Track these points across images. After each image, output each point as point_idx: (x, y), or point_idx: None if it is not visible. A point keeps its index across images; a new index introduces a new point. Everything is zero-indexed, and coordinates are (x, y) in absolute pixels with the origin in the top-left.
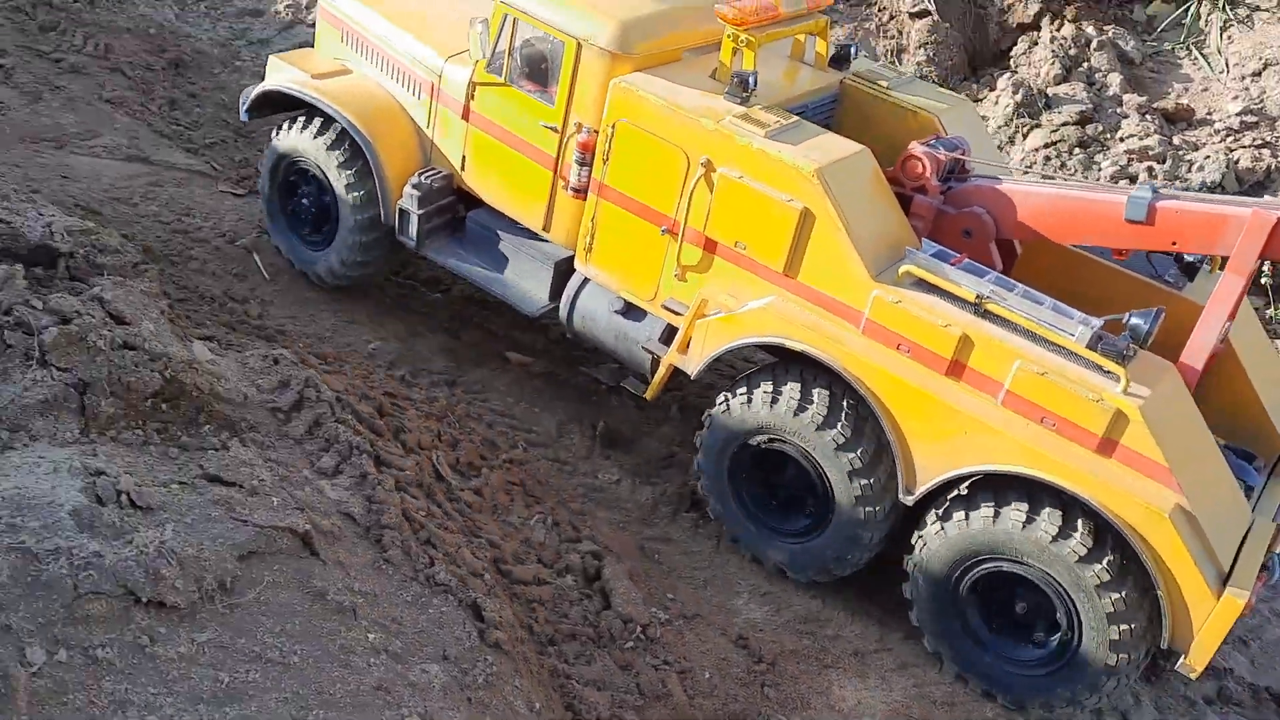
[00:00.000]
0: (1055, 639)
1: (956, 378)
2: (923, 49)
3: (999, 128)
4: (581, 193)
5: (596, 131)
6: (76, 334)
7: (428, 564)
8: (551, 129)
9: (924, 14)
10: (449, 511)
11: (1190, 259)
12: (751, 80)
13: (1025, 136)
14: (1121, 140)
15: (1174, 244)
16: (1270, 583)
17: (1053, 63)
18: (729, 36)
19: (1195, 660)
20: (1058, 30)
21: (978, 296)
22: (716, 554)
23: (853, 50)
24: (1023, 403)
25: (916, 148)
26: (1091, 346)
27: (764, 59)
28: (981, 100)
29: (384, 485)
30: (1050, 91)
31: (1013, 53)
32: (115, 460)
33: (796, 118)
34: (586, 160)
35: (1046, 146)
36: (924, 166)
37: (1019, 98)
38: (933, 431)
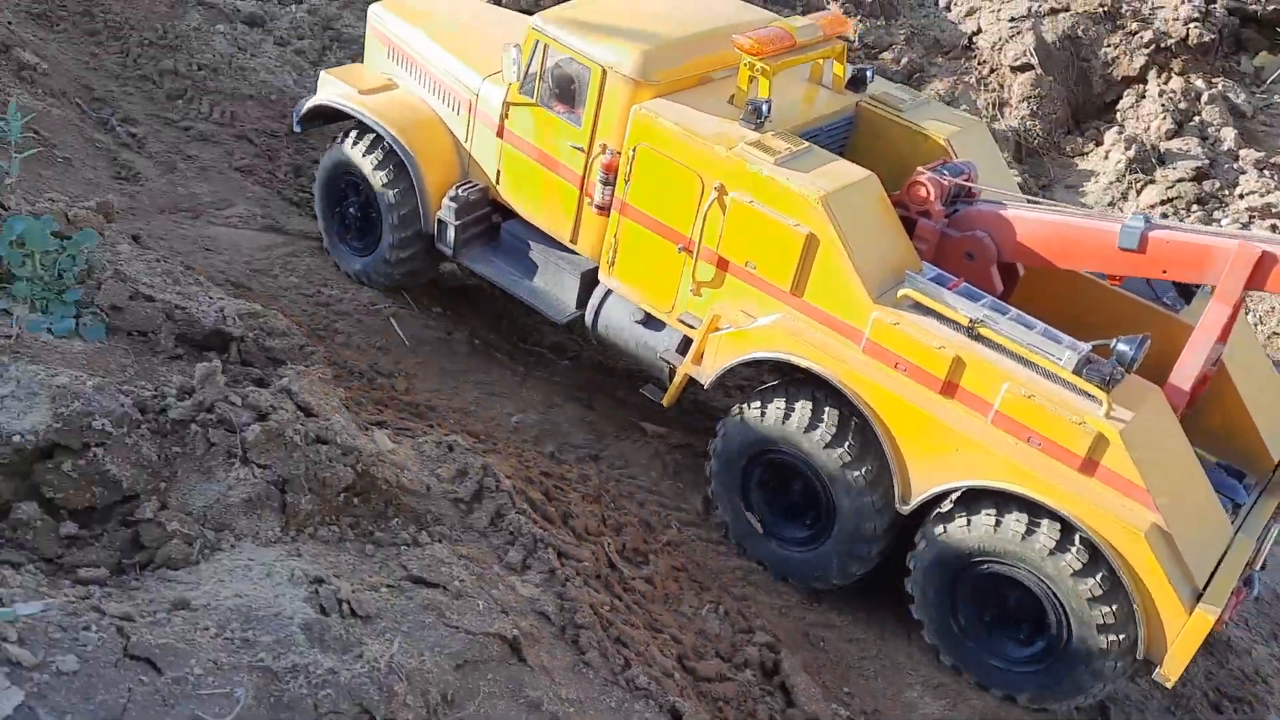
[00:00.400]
0: (1043, 640)
1: (950, 396)
2: (1025, 103)
3: (1110, 184)
4: (605, 210)
5: (619, 153)
6: (275, 430)
7: (624, 665)
8: (578, 149)
9: (1026, 67)
10: (629, 604)
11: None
12: (765, 108)
13: (1139, 193)
14: (1241, 197)
15: (1164, 272)
16: (1250, 598)
17: (1163, 117)
18: (745, 65)
19: (1169, 670)
20: (1165, 83)
21: (971, 320)
22: (881, 641)
23: (869, 74)
24: (1011, 422)
25: (922, 174)
26: (1078, 371)
27: (784, 82)
28: (1087, 154)
29: (573, 581)
30: (1163, 147)
31: (1119, 106)
32: (320, 561)
33: (808, 144)
34: (610, 180)
35: (1163, 203)
36: (928, 192)
37: (1131, 153)
38: (926, 446)
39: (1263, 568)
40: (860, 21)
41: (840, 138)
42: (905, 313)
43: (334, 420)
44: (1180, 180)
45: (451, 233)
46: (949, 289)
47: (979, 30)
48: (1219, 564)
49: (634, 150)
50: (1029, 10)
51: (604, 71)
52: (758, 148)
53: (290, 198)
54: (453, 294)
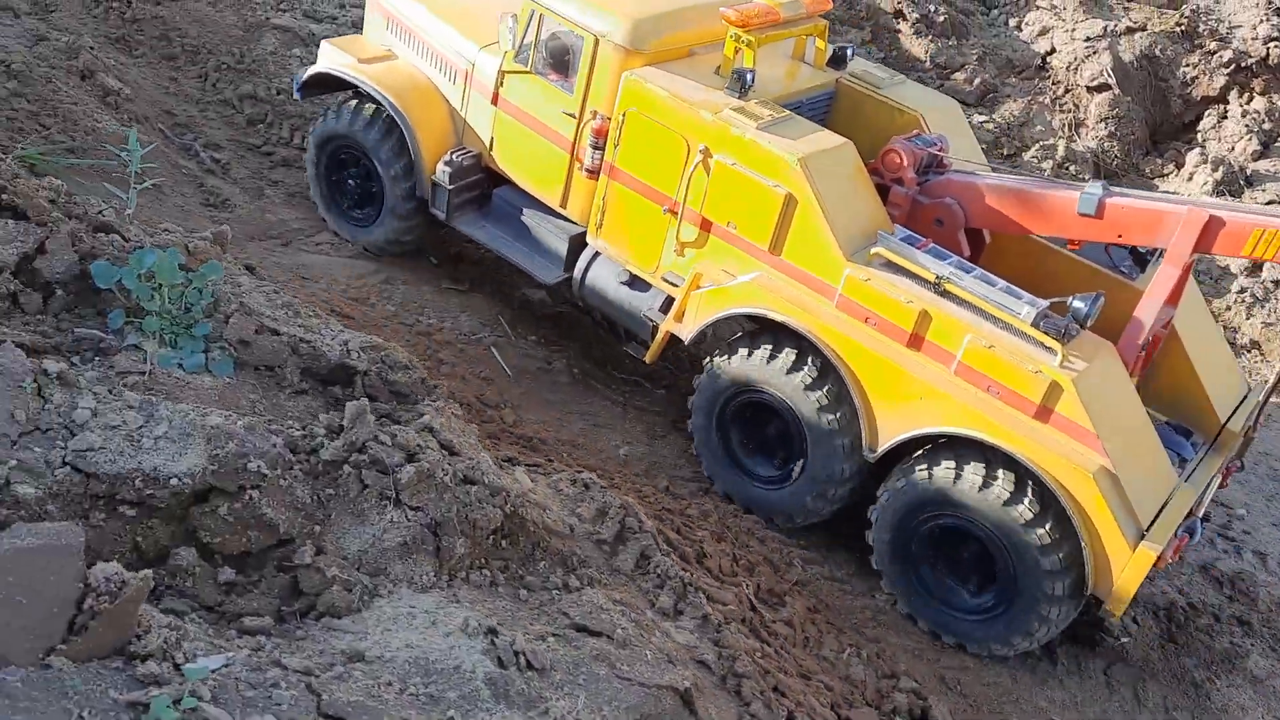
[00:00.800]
0: (995, 590)
1: (916, 349)
2: (1103, 123)
3: None
4: (594, 173)
5: (609, 119)
6: (426, 471)
7: (787, 716)
8: (570, 115)
9: (1103, 87)
10: (776, 650)
11: (1142, 251)
12: (749, 77)
13: None
14: None
15: (1119, 236)
16: (1192, 544)
17: (1248, 138)
18: (731, 37)
19: (1114, 605)
20: (1247, 103)
21: (937, 277)
22: (1014, 684)
23: (849, 52)
24: (972, 372)
25: (896, 142)
26: (1035, 324)
27: (767, 57)
28: (1167, 176)
29: (729, 627)
30: (1249, 168)
31: (1199, 127)
32: (479, 607)
33: (789, 112)
34: (600, 144)
35: None
36: (901, 159)
37: (1219, 175)
38: (893, 395)
39: (1205, 519)
40: (931, 41)
41: (821, 111)
42: (876, 270)
43: (480, 459)
44: (1271, 202)
45: (445, 197)
46: (918, 249)
47: (1053, 50)
48: (1162, 509)
49: (623, 115)
50: (1104, 30)
51: (597, 40)
52: (742, 113)
53: None
54: (548, 321)
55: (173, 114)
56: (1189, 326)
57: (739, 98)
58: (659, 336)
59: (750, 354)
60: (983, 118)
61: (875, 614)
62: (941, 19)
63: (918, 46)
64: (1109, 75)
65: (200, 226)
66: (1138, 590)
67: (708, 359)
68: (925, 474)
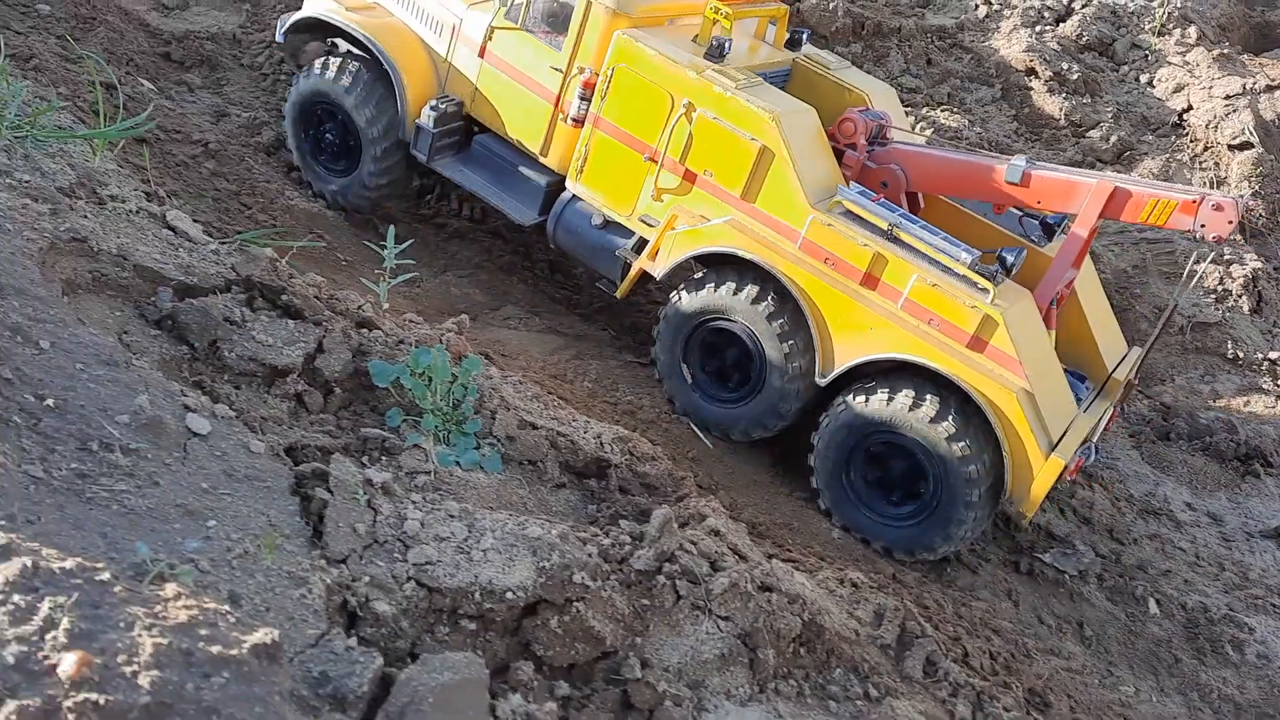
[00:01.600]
0: (921, 499)
1: (870, 286)
2: (1246, 182)
3: None
4: (579, 123)
5: (597, 73)
6: (734, 580)
7: None
8: (557, 70)
9: (1245, 145)
10: None
11: (1051, 221)
12: (727, 45)
13: None
14: None
15: (1039, 203)
16: (1088, 464)
17: None
18: (710, 9)
19: (1026, 508)
20: None
21: (889, 225)
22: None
23: (804, 36)
24: (917, 307)
25: (851, 113)
26: (972, 267)
27: (736, 33)
28: None
29: None
30: None
31: None
32: None
33: (760, 78)
34: (586, 96)
35: None
36: (856, 127)
37: None
38: (847, 326)
39: (1097, 448)
40: (1065, 99)
41: (778, 86)
42: (836, 217)
43: (772, 565)
44: None
45: (429, 139)
46: (874, 201)
47: (1189, 107)
48: (1066, 431)
49: (612, 70)
50: (1244, 88)
51: (589, 3)
52: (722, 74)
53: (553, 295)
54: None
55: None
56: (1086, 289)
57: (716, 62)
58: (632, 273)
59: (717, 287)
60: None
61: (1122, 707)
62: (1075, 76)
63: (1051, 104)
64: (1251, 134)
65: (403, 307)
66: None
67: (674, 292)
68: (863, 399)
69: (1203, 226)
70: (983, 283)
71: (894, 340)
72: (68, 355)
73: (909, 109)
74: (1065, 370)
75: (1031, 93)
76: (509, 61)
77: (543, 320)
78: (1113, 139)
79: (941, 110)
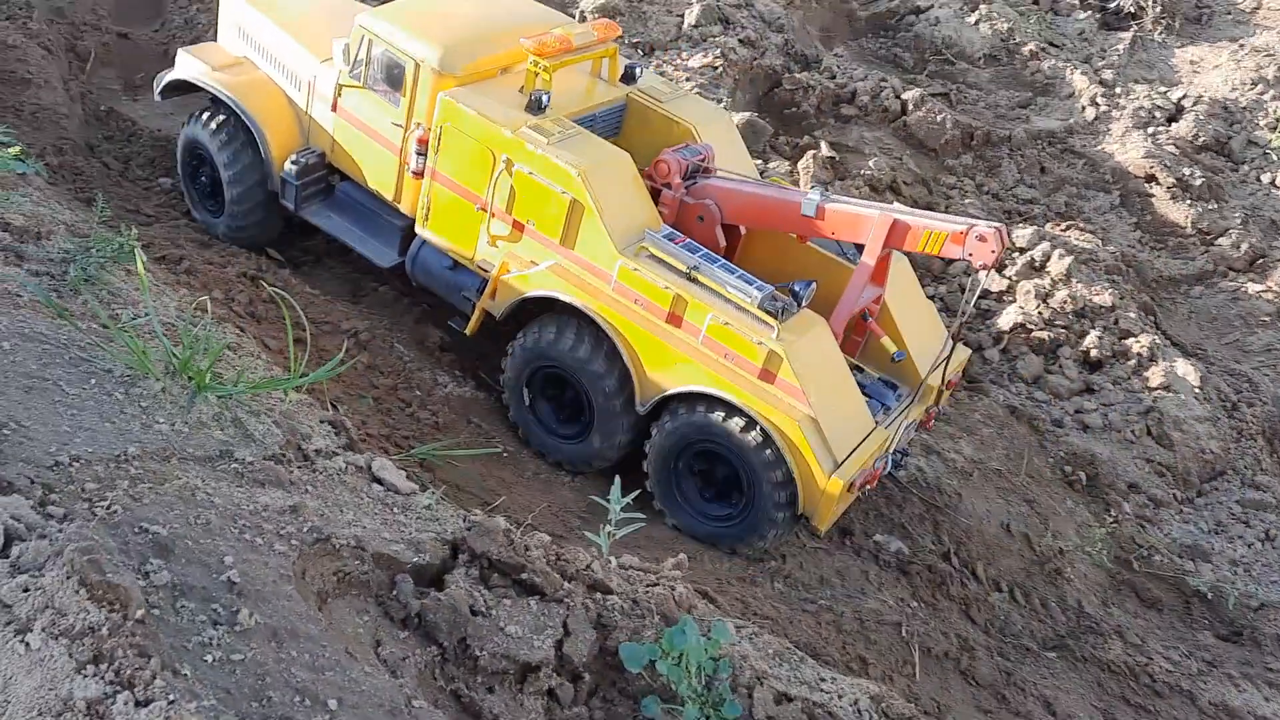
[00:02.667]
0: (736, 501)
1: (675, 325)
2: None
3: None
4: (419, 175)
5: (429, 130)
6: None
7: None
8: (398, 125)
9: None
10: None
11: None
12: (544, 99)
13: None
14: None
15: (833, 234)
16: (885, 474)
17: None
18: (531, 63)
19: (819, 522)
20: None
21: (688, 267)
22: None
23: (638, 70)
24: (713, 343)
25: (665, 154)
26: (760, 305)
27: (569, 75)
28: None
29: None
30: None
31: None
32: None
33: (579, 128)
34: (422, 151)
35: None
36: (669, 168)
37: None
38: (656, 361)
39: (905, 454)
40: (1190, 206)
41: (615, 121)
42: (642, 261)
43: None
44: None
45: (294, 190)
46: (675, 244)
47: None
48: (858, 447)
49: (440, 129)
50: None
51: (417, 65)
52: (536, 130)
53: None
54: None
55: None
56: (898, 301)
57: (536, 115)
58: (476, 313)
59: (542, 333)
60: (1258, 286)
61: None
62: (1199, 182)
63: (1175, 212)
64: None
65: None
66: (841, 509)
67: (513, 340)
68: (684, 417)
69: (970, 255)
70: (768, 319)
71: (698, 374)
72: (355, 712)
73: (1026, 221)
74: (879, 379)
75: (1153, 200)
76: (357, 116)
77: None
78: (1244, 246)
79: (1068, 228)
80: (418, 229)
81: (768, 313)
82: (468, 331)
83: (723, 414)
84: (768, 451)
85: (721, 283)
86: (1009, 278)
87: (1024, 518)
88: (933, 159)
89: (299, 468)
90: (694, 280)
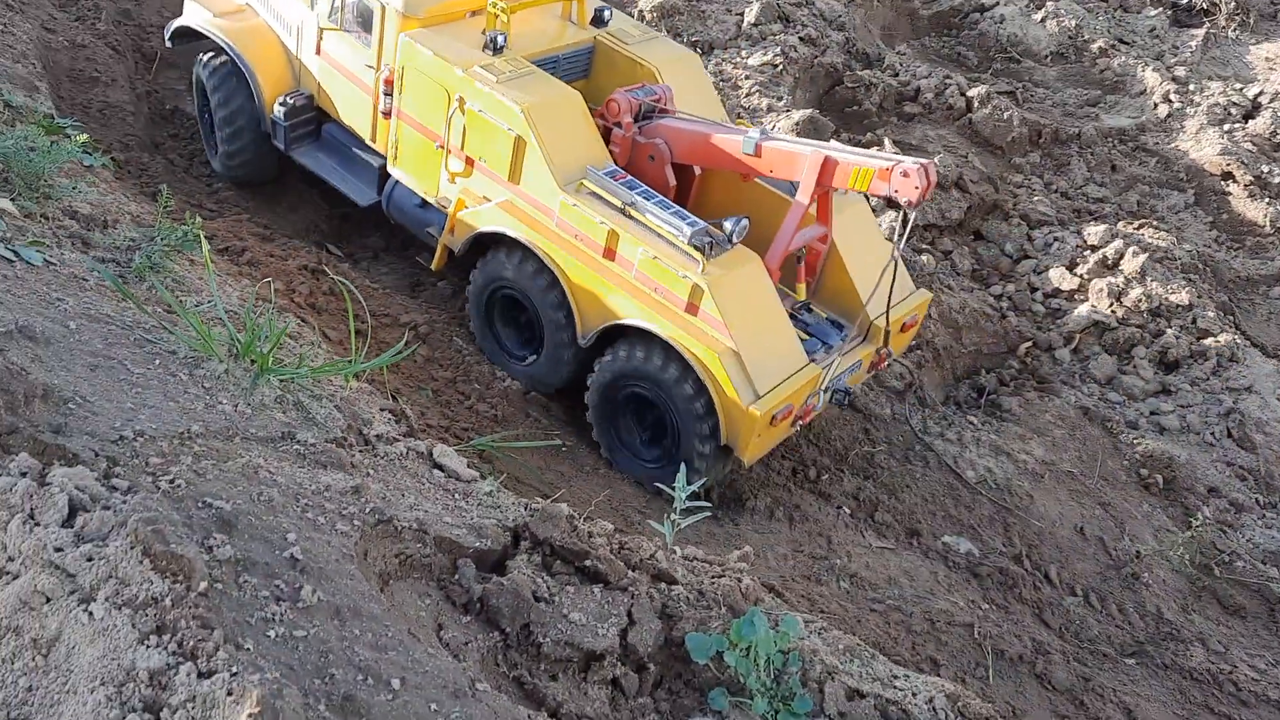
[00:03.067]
0: (665, 440)
1: (610, 259)
2: None
3: None
4: (388, 115)
5: (394, 71)
6: None
7: None
8: (370, 67)
9: None
10: None
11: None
12: (500, 39)
13: None
14: None
15: (771, 171)
16: (818, 409)
17: None
18: (491, 5)
19: (741, 453)
20: None
21: (624, 203)
22: None
23: (606, 13)
24: (645, 277)
25: (616, 94)
26: (691, 241)
27: (539, 17)
28: None
29: None
30: None
31: None
32: None
33: (532, 67)
34: (389, 91)
35: None
36: (618, 108)
37: None
38: (594, 295)
39: (849, 393)
40: (1269, 204)
41: (583, 63)
42: (582, 197)
43: None
44: None
45: (282, 131)
46: (615, 181)
47: None
48: (784, 382)
49: (403, 69)
50: None
51: (383, 7)
52: (487, 70)
53: (782, 470)
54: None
55: None
56: (849, 241)
57: (491, 55)
58: (439, 249)
59: (504, 260)
60: None
61: None
62: (1278, 179)
63: (1254, 210)
64: None
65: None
66: (769, 442)
67: (475, 265)
68: (622, 354)
69: (896, 191)
70: (695, 255)
71: (629, 308)
72: (418, 692)
73: (1097, 220)
74: (827, 319)
75: (1229, 198)
76: (336, 59)
77: (763, 501)
78: None
79: (1141, 227)
80: (389, 168)
81: (696, 248)
82: (433, 267)
83: (656, 352)
84: (689, 383)
85: (655, 219)
86: (1081, 276)
87: (1098, 521)
88: (999, 157)
89: (360, 451)
90: (629, 216)
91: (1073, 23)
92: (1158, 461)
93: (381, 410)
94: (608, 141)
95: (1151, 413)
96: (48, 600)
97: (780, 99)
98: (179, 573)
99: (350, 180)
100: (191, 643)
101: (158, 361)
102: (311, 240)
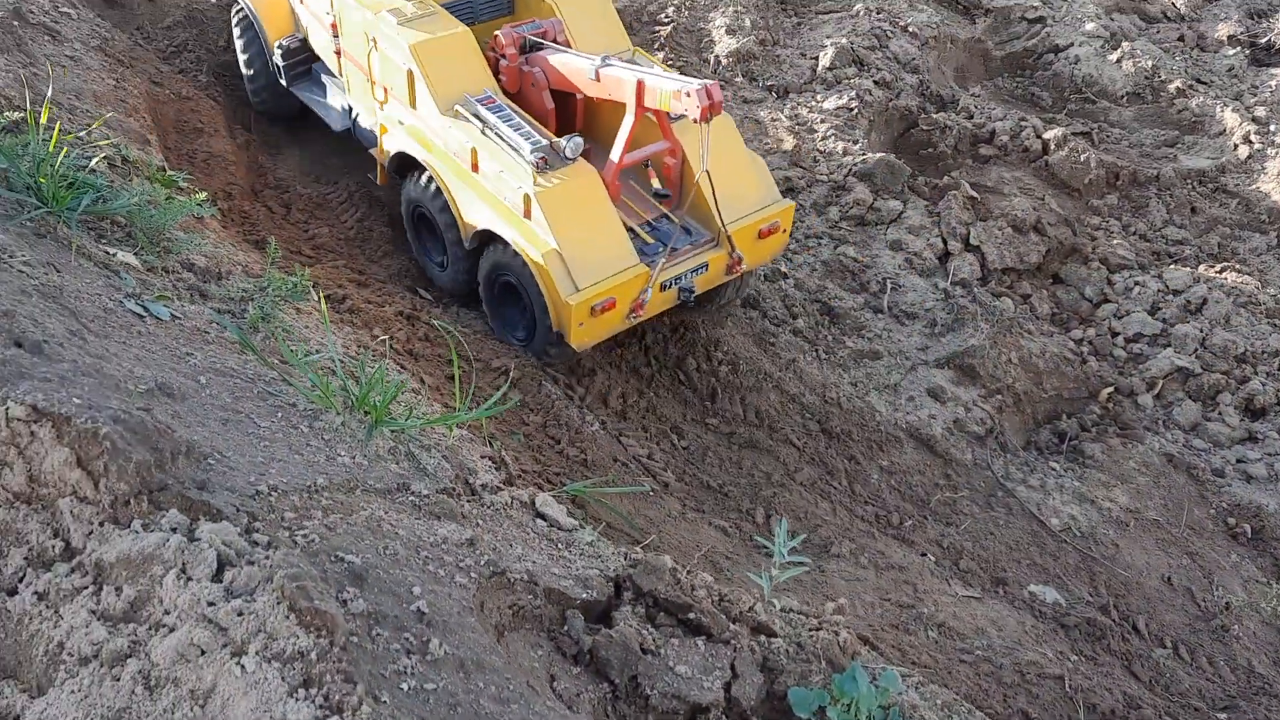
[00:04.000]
0: (527, 320)
1: (476, 173)
2: None
3: None
4: (339, 54)
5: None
6: None
7: None
8: (327, 14)
9: None
10: None
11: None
12: None
13: None
14: None
15: (610, 95)
16: (644, 303)
17: None
18: None
19: (569, 339)
20: None
21: (484, 125)
22: None
23: None
24: (498, 189)
25: (501, 30)
26: (529, 158)
27: None
28: None
29: None
30: None
31: None
32: None
33: (438, 9)
34: (335, 34)
35: None
36: (503, 42)
37: None
38: (467, 204)
39: (690, 290)
40: None
41: (506, 3)
42: (458, 121)
43: None
44: None
45: (281, 70)
46: (483, 105)
47: None
48: (608, 279)
49: (339, 14)
50: None
51: None
52: (393, 13)
53: (865, 516)
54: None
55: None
56: (712, 159)
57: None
58: (379, 168)
59: (414, 180)
60: None
61: None
62: None
63: None
64: None
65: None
66: (597, 331)
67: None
68: (494, 251)
69: (686, 111)
70: (528, 169)
71: (492, 214)
72: None
73: (1179, 263)
74: (680, 225)
75: None
76: (313, 7)
77: (882, 559)
78: None
79: (1223, 270)
80: (346, 98)
81: (531, 164)
82: (379, 181)
83: (512, 251)
84: (529, 277)
85: (507, 138)
86: (1163, 320)
87: (1186, 571)
88: (1076, 199)
89: (468, 501)
90: (487, 135)
91: (1149, 63)
92: (1245, 510)
93: (482, 457)
94: (500, 73)
95: (1238, 460)
96: (202, 653)
97: (856, 142)
98: (322, 627)
99: (330, 110)
100: (337, 696)
101: (280, 414)
102: (404, 285)
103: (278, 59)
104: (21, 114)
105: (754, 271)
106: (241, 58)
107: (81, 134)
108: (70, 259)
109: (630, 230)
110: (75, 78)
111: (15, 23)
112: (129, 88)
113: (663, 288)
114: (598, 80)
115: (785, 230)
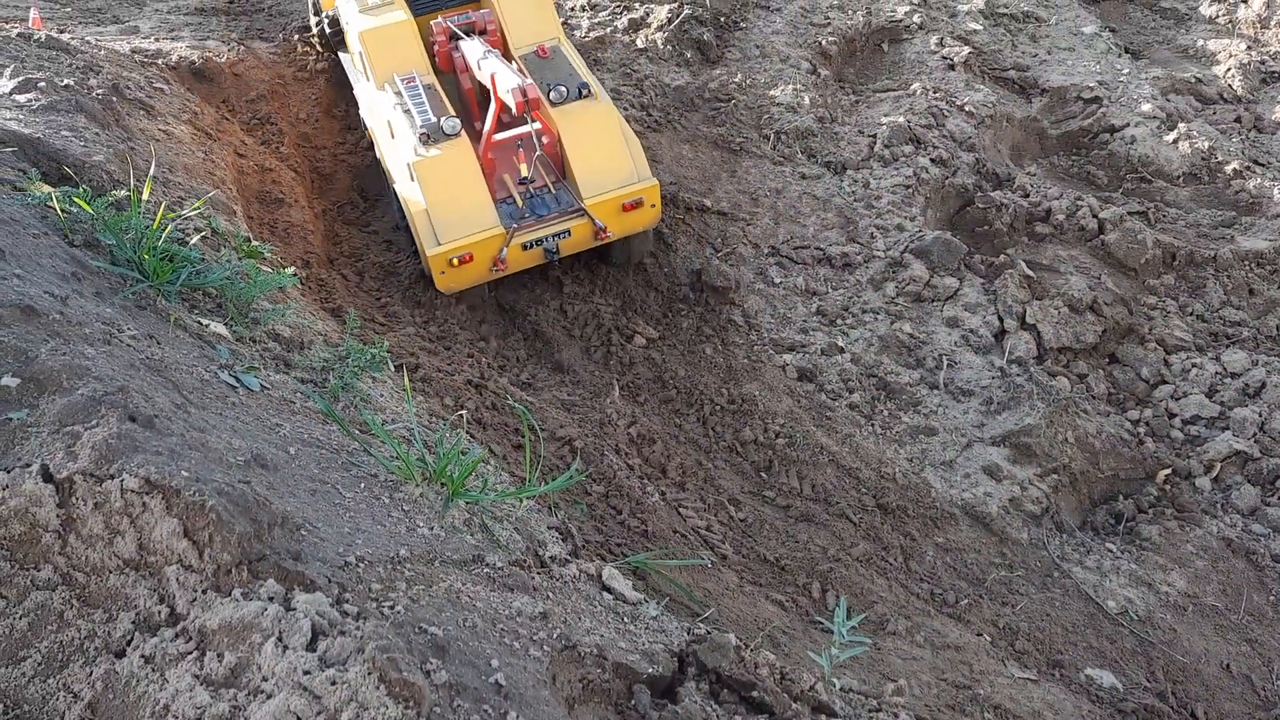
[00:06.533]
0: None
1: (393, 139)
2: None
3: None
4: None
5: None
6: None
7: None
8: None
9: None
10: None
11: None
12: None
13: None
14: None
15: (488, 82)
16: (503, 258)
17: None
18: None
19: (437, 284)
20: None
21: (396, 100)
22: None
23: None
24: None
25: (436, 20)
26: (417, 133)
27: None
28: None
29: None
30: None
31: None
32: None
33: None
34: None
35: None
36: (434, 31)
37: None
38: (389, 162)
39: (555, 252)
40: None
41: None
42: (383, 95)
43: None
44: None
45: (325, 39)
46: (403, 84)
47: None
48: (468, 237)
49: (318, 2)
50: None
51: None
52: (357, 3)
53: (920, 593)
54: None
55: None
56: (576, 136)
57: None
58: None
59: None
60: None
61: None
62: None
63: None
64: None
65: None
66: (461, 280)
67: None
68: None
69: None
70: (414, 142)
71: (396, 174)
72: None
73: (1236, 344)
74: (556, 195)
75: None
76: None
77: (950, 647)
78: None
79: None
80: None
81: (415, 137)
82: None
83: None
84: (410, 228)
85: (409, 113)
86: (1221, 403)
87: (1245, 658)
88: (1132, 279)
89: (538, 573)
90: (398, 109)
91: (1206, 144)
92: None
93: (549, 528)
94: (444, 59)
95: None
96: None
97: (912, 219)
98: (410, 698)
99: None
100: None
101: (363, 485)
102: (472, 351)
103: (322, 28)
104: (125, 191)
105: (645, 234)
106: (314, 31)
107: (179, 209)
108: (169, 331)
109: (510, 199)
110: (167, 151)
111: (114, 99)
112: (216, 160)
113: (526, 248)
114: (479, 69)
115: (654, 205)
